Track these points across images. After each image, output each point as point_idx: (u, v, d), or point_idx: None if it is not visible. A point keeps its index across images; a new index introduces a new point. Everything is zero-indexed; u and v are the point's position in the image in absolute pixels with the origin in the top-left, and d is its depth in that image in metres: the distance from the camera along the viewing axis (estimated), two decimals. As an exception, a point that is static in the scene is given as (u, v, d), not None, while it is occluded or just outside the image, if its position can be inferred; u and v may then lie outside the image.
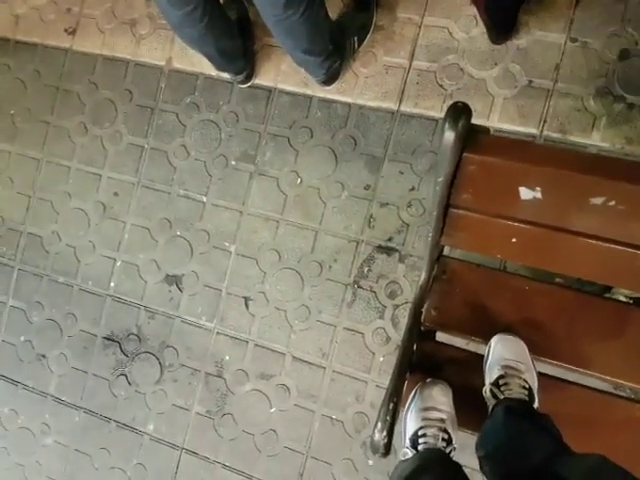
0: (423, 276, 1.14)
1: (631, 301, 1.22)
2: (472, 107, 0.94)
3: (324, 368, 1.60)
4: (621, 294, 1.25)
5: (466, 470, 0.93)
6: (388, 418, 0.99)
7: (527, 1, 1.45)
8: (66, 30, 1.93)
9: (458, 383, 1.11)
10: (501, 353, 1.06)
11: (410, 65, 1.59)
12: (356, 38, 1.58)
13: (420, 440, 1.01)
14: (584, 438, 0.98)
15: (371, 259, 1.59)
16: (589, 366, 1.07)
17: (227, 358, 1.69)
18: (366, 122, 1.61)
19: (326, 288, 1.62)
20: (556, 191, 0.96)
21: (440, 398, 1.06)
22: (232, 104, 1.74)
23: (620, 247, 0.95)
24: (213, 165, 1.74)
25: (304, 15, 1.25)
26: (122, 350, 1.79)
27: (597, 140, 1.43)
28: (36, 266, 1.91)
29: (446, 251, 1.21)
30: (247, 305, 1.68)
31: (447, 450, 1.00)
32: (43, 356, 1.88)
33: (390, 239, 1.58)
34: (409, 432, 1.05)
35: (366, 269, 1.59)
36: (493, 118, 1.51)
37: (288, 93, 1.69)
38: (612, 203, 0.92)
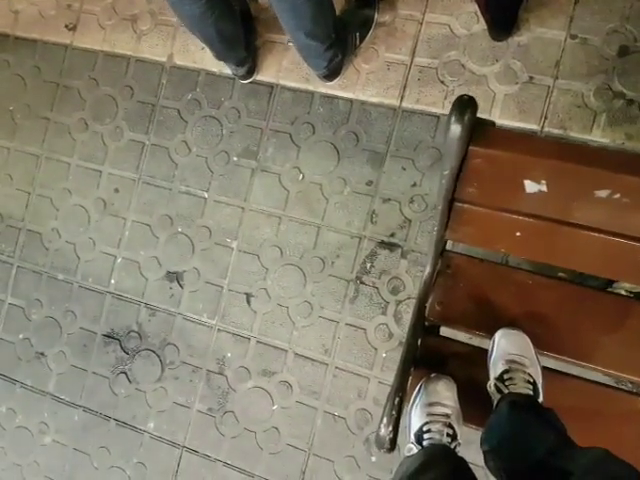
0: (427, 271, 1.14)
1: (632, 295, 1.22)
2: (476, 101, 0.94)
3: (326, 365, 1.60)
4: (622, 288, 1.25)
5: (471, 467, 0.93)
6: (394, 413, 0.98)
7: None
8: (66, 26, 1.92)
9: (462, 378, 1.11)
10: (505, 347, 1.06)
11: (411, 61, 1.59)
12: (358, 34, 1.58)
13: (425, 436, 1.01)
14: (587, 431, 0.98)
15: (373, 255, 1.59)
16: (592, 360, 1.08)
17: (229, 355, 1.68)
18: (368, 118, 1.62)
19: (328, 284, 1.61)
20: (561, 184, 0.97)
21: (445, 393, 1.06)
22: (234, 100, 1.74)
23: (624, 240, 0.95)
24: (214, 161, 1.74)
25: None
26: (122, 348, 1.78)
27: (598, 136, 1.44)
28: (35, 263, 1.89)
29: (449, 246, 1.21)
30: (249, 301, 1.68)
31: (452, 445, 1.00)
32: (42, 354, 1.86)
33: (392, 235, 1.58)
34: (414, 428, 1.05)
35: (368, 265, 1.59)
36: (494, 114, 1.51)
37: (290, 89, 1.68)
38: (617, 196, 0.93)
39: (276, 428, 1.63)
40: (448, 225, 1.06)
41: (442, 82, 1.56)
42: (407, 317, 1.52)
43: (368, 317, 1.58)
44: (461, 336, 1.19)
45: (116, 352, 1.79)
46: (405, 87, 1.59)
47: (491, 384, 1.03)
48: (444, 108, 1.54)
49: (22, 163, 1.94)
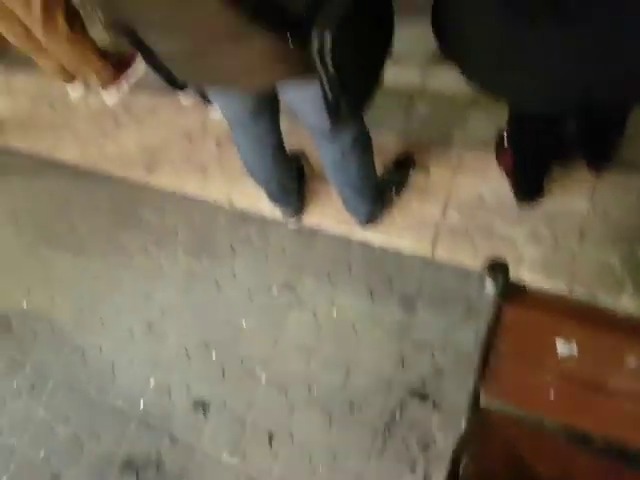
0: (463, 429, 1.12)
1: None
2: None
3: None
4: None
5: None
6: None
7: (552, 171, 1.61)
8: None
9: None
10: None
11: (443, 218, 1.74)
12: (394, 189, 1.78)
13: None
14: None
15: (403, 404, 1.54)
16: None
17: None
18: (402, 265, 1.72)
19: (355, 431, 1.55)
20: (592, 349, 0.99)
21: None
22: (280, 238, 1.92)
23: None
24: (255, 291, 1.85)
25: (355, 146, 1.43)
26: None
27: (625, 303, 1.45)
28: (73, 378, 1.94)
29: (483, 402, 1.20)
30: (271, 441, 1.63)
31: None
32: (57, 477, 1.80)
33: (424, 383, 1.55)
34: None
35: (397, 414, 1.53)
36: (522, 274, 1.56)
37: (331, 233, 1.85)
38: (648, 367, 0.94)
39: None
40: (482, 383, 1.07)
41: (472, 240, 1.66)
42: (437, 476, 1.44)
43: (395, 474, 1.47)
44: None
45: (131, 484, 1.72)
46: (436, 241, 1.71)
47: None
48: (474, 263, 1.62)
49: (80, 276, 2.14)
